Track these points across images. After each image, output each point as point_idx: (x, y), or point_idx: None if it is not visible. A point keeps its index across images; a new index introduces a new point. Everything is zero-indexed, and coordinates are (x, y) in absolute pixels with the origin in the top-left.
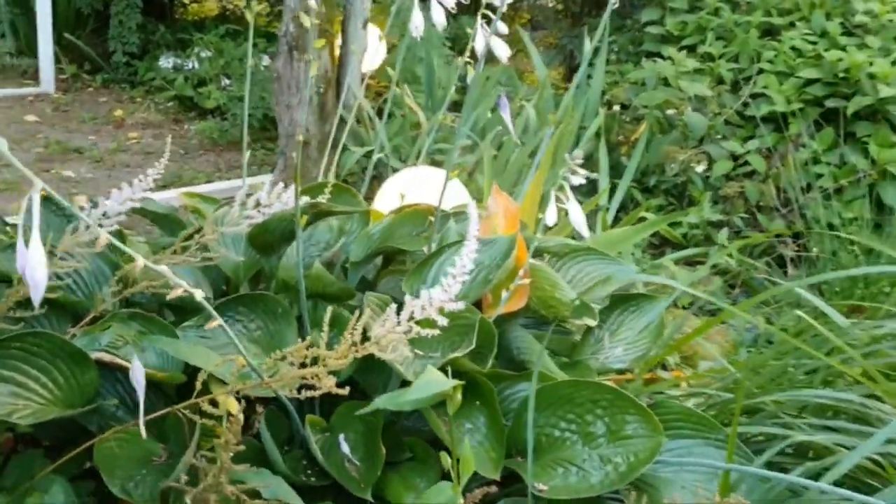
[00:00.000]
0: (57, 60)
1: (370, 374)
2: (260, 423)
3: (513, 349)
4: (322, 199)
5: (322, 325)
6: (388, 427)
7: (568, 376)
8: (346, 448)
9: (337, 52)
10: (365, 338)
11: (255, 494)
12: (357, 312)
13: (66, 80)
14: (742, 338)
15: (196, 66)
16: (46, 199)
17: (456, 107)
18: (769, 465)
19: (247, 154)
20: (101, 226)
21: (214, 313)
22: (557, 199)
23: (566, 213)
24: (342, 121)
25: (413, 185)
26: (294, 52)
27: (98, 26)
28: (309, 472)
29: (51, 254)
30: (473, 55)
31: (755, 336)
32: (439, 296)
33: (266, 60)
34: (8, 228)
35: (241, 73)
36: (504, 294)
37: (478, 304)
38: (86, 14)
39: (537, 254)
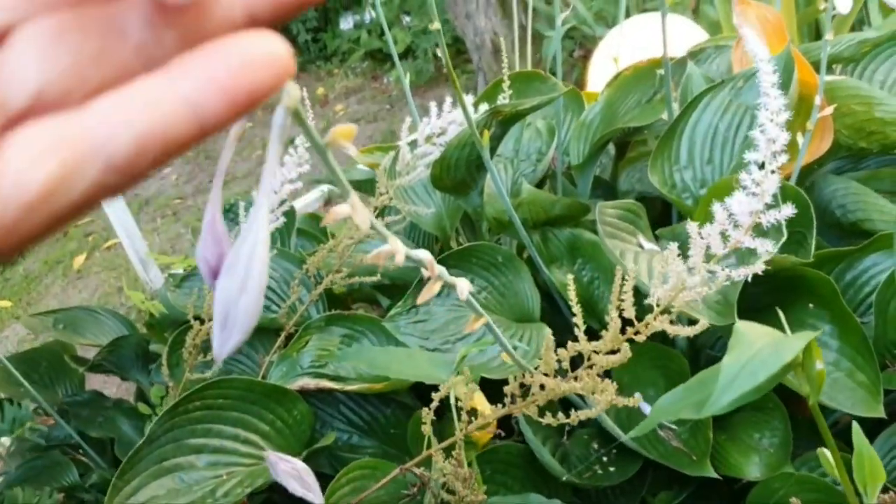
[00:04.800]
0: None
1: None
2: (519, 419)
3: (833, 209)
4: (503, 98)
5: (559, 260)
6: (692, 364)
7: None
8: (649, 410)
9: None
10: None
11: None
12: (619, 272)
13: None
14: None
15: (373, 15)
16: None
17: None
18: None
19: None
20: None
21: None
22: None
23: None
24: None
25: (626, 43)
26: None
27: None
28: (604, 458)
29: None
30: None
31: None
32: (748, 205)
33: None
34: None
35: (420, 4)
36: (800, 139)
37: None
38: None
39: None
